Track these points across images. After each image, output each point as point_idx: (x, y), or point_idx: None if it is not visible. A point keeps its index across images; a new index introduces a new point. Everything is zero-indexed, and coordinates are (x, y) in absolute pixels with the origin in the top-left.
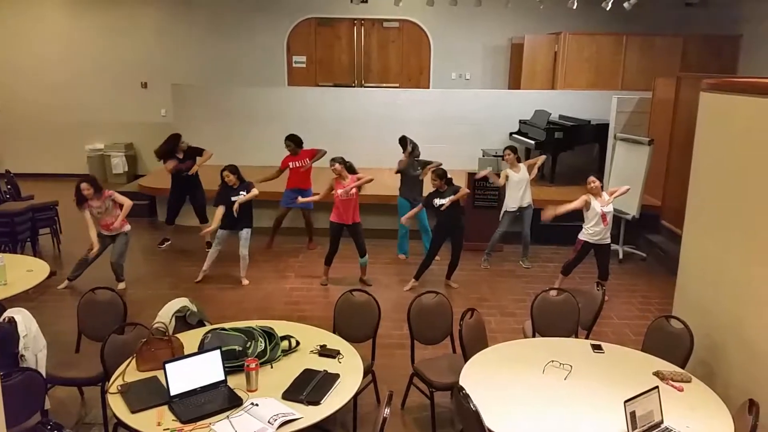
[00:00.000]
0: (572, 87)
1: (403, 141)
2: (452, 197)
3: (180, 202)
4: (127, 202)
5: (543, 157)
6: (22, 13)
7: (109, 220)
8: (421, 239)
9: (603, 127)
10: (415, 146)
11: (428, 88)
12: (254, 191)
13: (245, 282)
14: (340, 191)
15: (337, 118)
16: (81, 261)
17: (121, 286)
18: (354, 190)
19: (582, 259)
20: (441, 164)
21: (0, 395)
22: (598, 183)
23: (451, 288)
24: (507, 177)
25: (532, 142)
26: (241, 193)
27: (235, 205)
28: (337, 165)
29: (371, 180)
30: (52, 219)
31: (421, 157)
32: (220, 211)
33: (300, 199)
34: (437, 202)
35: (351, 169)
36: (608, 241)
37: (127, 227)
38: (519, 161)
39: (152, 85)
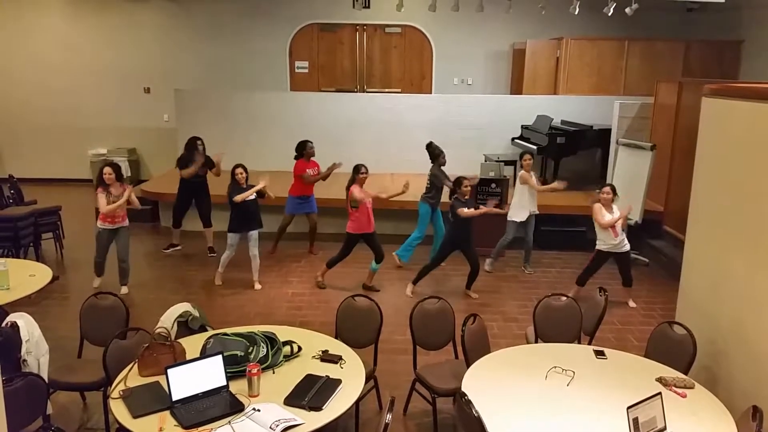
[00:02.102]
0: (574, 92)
1: (435, 149)
2: (489, 209)
3: (187, 206)
4: (137, 204)
5: (560, 186)
6: (23, 18)
7: (118, 212)
8: (424, 245)
9: (605, 133)
10: (443, 154)
11: (430, 93)
12: (270, 194)
13: (258, 286)
14: (362, 196)
15: (339, 124)
16: (97, 264)
17: (124, 290)
18: (370, 200)
19: (597, 268)
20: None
21: (2, 400)
22: (611, 196)
23: (470, 298)
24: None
25: (535, 147)
26: None
27: (250, 192)
28: (364, 171)
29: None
30: (54, 224)
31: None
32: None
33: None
34: (465, 211)
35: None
36: (626, 248)
37: (126, 222)
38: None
39: (155, 90)
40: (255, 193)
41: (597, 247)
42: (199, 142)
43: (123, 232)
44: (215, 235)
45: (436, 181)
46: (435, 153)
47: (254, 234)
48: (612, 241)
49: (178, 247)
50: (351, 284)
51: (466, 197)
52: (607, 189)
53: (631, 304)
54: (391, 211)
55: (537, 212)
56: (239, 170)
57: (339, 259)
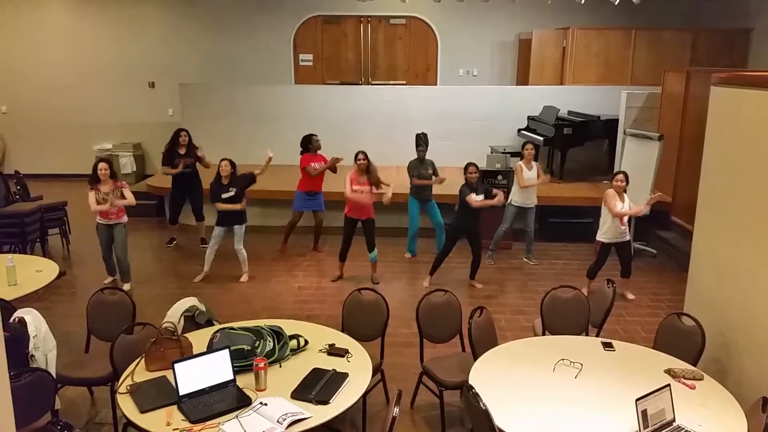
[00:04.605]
0: (581, 82)
1: (419, 139)
2: (492, 200)
3: (182, 200)
4: (132, 200)
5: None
6: (27, 14)
7: (110, 210)
8: (427, 238)
9: (612, 123)
10: (419, 148)
11: (435, 84)
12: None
13: (244, 278)
14: (355, 187)
15: (344, 116)
16: (104, 258)
17: (126, 287)
18: (368, 189)
19: (605, 260)
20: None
21: (10, 395)
22: (625, 184)
23: (475, 288)
24: (521, 170)
25: (541, 138)
26: (231, 189)
27: (222, 206)
28: (361, 157)
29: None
30: (61, 219)
31: (427, 158)
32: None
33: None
34: (474, 197)
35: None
36: (627, 237)
37: (125, 218)
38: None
39: (160, 84)
40: (234, 190)
41: (599, 238)
42: (183, 134)
43: (119, 230)
44: (207, 229)
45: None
46: (416, 143)
47: (239, 229)
48: (618, 230)
49: (176, 241)
50: (357, 277)
51: (473, 183)
52: (620, 176)
53: (629, 296)
54: (379, 204)
55: (534, 204)
56: (224, 163)
57: (345, 248)
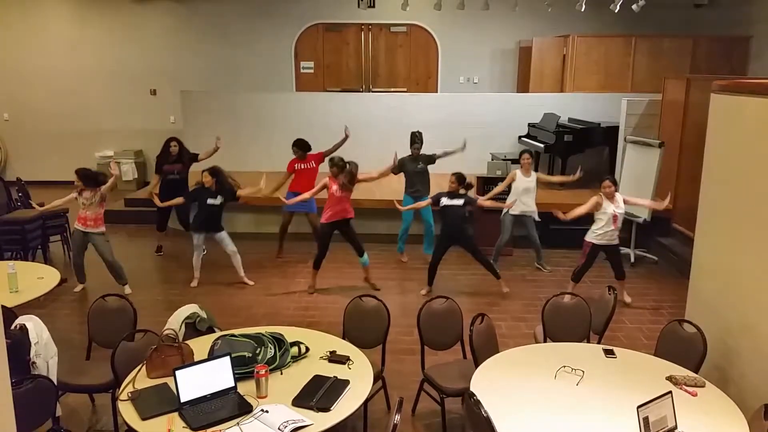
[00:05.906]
0: (581, 90)
1: (414, 136)
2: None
3: (168, 208)
4: (108, 186)
5: (563, 178)
6: (30, 21)
7: (89, 215)
8: (415, 244)
9: (613, 130)
10: (414, 145)
11: (436, 92)
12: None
13: (248, 282)
14: (335, 187)
15: (344, 123)
16: (74, 264)
17: (127, 290)
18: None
19: (592, 263)
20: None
21: (11, 402)
22: (613, 188)
23: (502, 293)
24: (513, 179)
25: (542, 145)
26: (217, 196)
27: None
28: (334, 169)
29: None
30: (62, 226)
31: (425, 153)
32: (178, 200)
33: (289, 201)
34: (444, 201)
35: (351, 179)
36: (617, 242)
37: (101, 228)
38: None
39: (161, 92)
40: (221, 199)
41: (589, 239)
42: (173, 143)
43: (97, 239)
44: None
45: (400, 169)
46: (410, 141)
47: (221, 235)
48: (608, 229)
49: (162, 252)
50: (357, 285)
51: (456, 192)
52: (606, 182)
53: (627, 299)
54: (379, 210)
55: (531, 211)
56: (205, 174)
57: (320, 255)
